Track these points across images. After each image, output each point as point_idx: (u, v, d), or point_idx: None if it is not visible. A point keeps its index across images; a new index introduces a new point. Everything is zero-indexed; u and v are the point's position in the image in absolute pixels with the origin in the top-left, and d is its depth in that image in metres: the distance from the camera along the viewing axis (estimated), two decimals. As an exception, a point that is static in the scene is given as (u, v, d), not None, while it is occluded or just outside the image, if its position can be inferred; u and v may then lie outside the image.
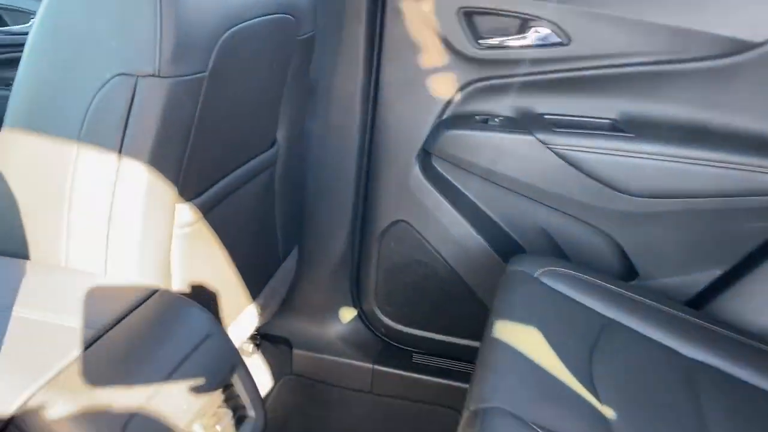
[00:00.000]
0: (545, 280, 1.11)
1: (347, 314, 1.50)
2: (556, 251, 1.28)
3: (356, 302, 1.49)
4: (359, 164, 1.35)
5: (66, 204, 0.85)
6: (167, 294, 0.80)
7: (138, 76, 0.79)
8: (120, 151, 0.82)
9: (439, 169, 1.33)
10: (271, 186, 1.21)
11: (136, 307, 0.76)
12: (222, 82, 0.91)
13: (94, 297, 0.76)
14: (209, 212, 1.01)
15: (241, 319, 1.19)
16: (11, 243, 0.88)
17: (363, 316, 1.50)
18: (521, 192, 1.26)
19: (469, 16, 1.21)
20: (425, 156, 1.32)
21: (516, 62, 1.22)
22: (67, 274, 0.83)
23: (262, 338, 1.51)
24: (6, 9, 1.52)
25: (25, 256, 0.88)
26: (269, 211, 1.23)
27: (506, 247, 1.31)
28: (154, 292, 0.80)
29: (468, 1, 1.19)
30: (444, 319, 1.42)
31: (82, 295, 0.77)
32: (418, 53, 1.25)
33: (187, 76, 0.82)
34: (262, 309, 1.27)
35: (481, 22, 1.21)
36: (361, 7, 1.22)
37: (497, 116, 1.27)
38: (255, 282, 1.23)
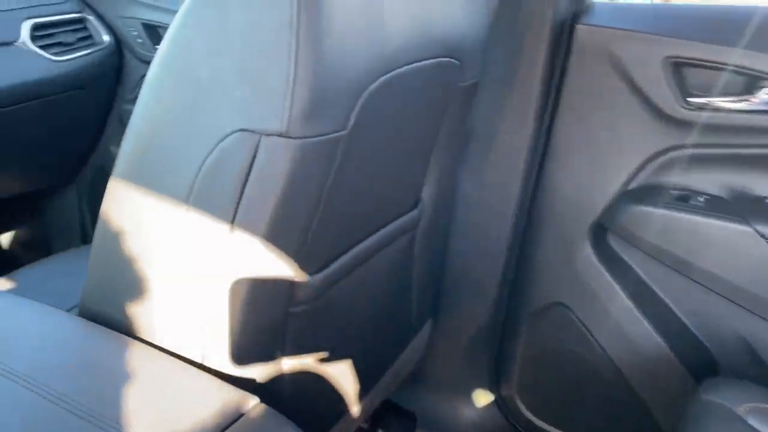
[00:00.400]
0: (752, 420, 0.84)
1: (482, 398, 1.29)
2: (765, 376, 0.99)
3: (494, 386, 1.28)
4: (515, 230, 1.14)
5: (166, 273, 0.72)
6: (263, 413, 0.64)
7: (262, 134, 0.64)
8: (233, 220, 0.67)
9: (616, 249, 1.08)
10: (410, 251, 1.03)
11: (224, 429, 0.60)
12: (364, 140, 0.75)
13: (174, 408, 0.62)
14: (334, 285, 0.85)
15: (363, 402, 1.02)
16: (108, 306, 0.77)
17: (501, 404, 1.28)
18: (724, 293, 0.99)
19: (678, 67, 0.96)
20: (600, 231, 1.09)
21: (735, 129, 0.96)
22: (154, 364, 0.70)
23: (384, 408, 1.33)
24: (164, 27, 1.47)
25: (120, 323, 0.76)
26: (405, 280, 1.05)
27: (696, 359, 1.04)
28: (248, 406, 0.64)
29: (678, 49, 0.95)
30: (601, 427, 1.17)
31: (161, 401, 0.63)
32: (605, 107, 1.03)
33: (321, 136, 0.66)
34: (386, 388, 1.10)
35: (692, 75, 0.97)
36: (540, 49, 1.02)
37: (702, 194, 1.00)
38: (382, 360, 1.05)
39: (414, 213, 0.99)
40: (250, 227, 0.68)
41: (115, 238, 0.75)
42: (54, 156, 1.58)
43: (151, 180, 0.71)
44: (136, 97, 1.66)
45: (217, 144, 0.66)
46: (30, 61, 1.38)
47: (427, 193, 1.02)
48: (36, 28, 1.39)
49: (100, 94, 1.55)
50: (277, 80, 0.62)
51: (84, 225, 1.75)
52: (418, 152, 0.95)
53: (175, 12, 1.45)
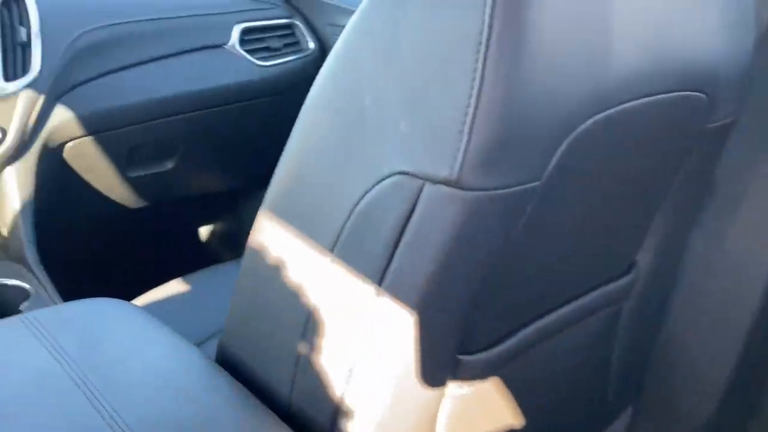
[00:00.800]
0: None
1: None
2: None
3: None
4: (762, 314, 0.88)
5: (304, 331, 0.60)
6: None
7: (426, 180, 0.49)
8: (381, 281, 0.54)
9: None
10: (614, 326, 0.82)
11: None
12: (564, 192, 0.57)
13: None
14: (507, 365, 0.68)
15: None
16: (242, 351, 0.68)
17: None
18: None
19: None
20: None
21: None
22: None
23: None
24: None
25: (251, 376, 0.66)
26: (603, 360, 0.85)
27: None
28: None
29: None
30: None
31: None
32: None
33: (504, 188, 0.50)
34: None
35: None
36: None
37: None
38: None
39: (625, 280, 0.79)
40: (400, 291, 0.54)
41: (257, 277, 0.65)
42: (251, 158, 1.58)
43: (299, 216, 0.60)
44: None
45: (373, 186, 0.52)
46: (236, 65, 1.38)
47: (645, 256, 0.80)
48: (246, 32, 1.39)
49: (300, 100, 1.51)
50: (452, 114, 0.47)
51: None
52: (639, 206, 0.74)
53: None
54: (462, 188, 0.48)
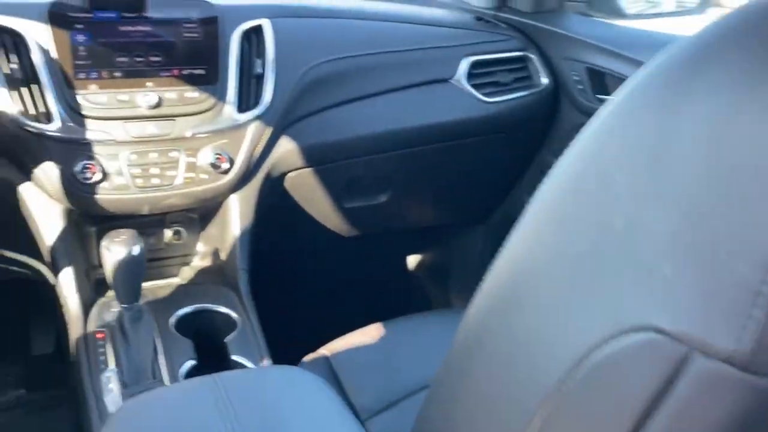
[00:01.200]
0: None
1: None
2: None
3: None
4: None
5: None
6: None
7: (696, 349, 0.35)
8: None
9: None
10: None
11: None
12: None
13: None
14: None
15: None
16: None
17: None
18: None
19: None
20: None
21: None
22: None
23: None
24: (611, 75, 1.22)
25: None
26: None
27: None
28: None
29: None
30: None
31: None
32: None
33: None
34: None
35: None
36: None
37: None
38: None
39: None
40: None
41: (453, 395, 0.55)
42: (467, 195, 1.50)
43: (514, 340, 0.48)
44: (562, 148, 1.44)
45: (614, 337, 0.39)
46: (460, 100, 1.30)
47: None
48: (475, 65, 1.30)
49: (524, 139, 1.39)
50: (748, 266, 0.33)
51: (483, 268, 1.65)
52: None
53: (629, 59, 1.19)
54: (753, 372, 0.34)
